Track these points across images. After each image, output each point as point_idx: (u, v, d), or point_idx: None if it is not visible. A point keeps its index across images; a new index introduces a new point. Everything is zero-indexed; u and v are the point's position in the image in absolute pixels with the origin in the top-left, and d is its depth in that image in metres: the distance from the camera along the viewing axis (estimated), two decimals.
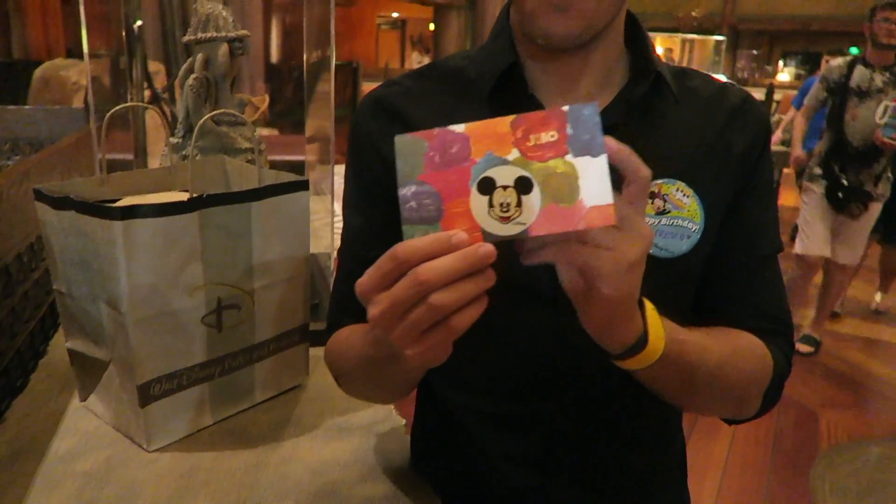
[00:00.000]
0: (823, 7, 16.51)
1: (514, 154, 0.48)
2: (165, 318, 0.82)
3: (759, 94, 9.09)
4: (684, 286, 0.75)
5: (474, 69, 0.75)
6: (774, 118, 7.42)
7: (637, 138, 0.70)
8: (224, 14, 1.14)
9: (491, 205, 0.48)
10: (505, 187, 0.48)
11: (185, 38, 1.13)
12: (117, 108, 0.87)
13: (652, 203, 0.70)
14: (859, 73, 3.29)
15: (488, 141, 0.49)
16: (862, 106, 3.26)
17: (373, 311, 0.48)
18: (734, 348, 0.71)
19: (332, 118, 1.48)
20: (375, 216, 0.76)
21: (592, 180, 0.47)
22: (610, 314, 0.54)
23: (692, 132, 0.73)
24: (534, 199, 0.47)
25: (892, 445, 2.83)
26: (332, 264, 1.48)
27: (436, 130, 0.50)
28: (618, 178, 0.51)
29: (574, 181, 0.47)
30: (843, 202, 3.34)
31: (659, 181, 0.70)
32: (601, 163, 0.47)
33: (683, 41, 10.97)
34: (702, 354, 0.65)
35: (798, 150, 3.87)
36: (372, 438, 0.91)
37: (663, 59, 0.74)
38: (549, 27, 0.64)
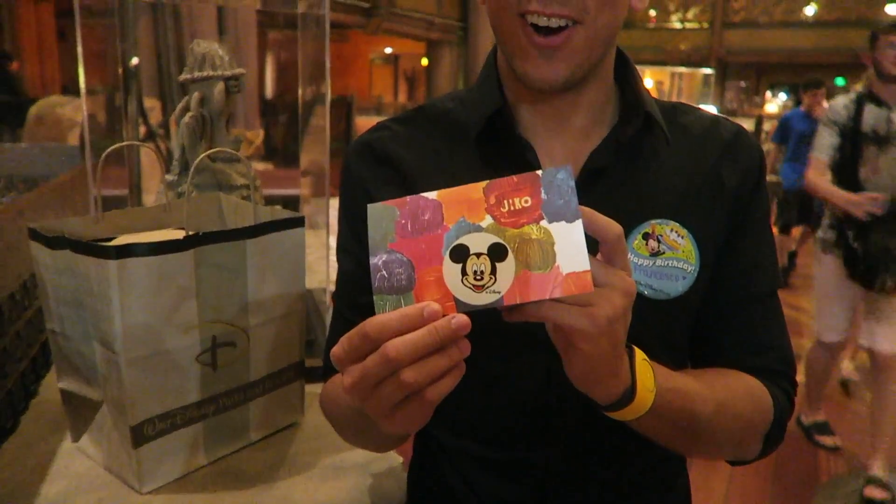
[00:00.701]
0: (808, 40, 16.87)
1: (487, 220, 0.48)
2: (159, 357, 0.81)
3: (748, 125, 9.23)
4: (681, 327, 0.74)
5: (463, 112, 0.75)
6: (765, 148, 7.53)
7: (628, 179, 0.71)
8: (220, 53, 1.15)
9: (464, 273, 0.47)
10: (478, 255, 0.47)
11: (182, 77, 1.14)
12: (113, 147, 0.87)
13: (646, 244, 0.69)
14: (872, 113, 2.58)
15: (461, 207, 0.48)
16: (884, 155, 2.57)
17: (346, 380, 0.48)
18: (731, 393, 0.70)
19: (327, 152, 1.49)
20: (367, 261, 0.76)
21: (568, 246, 0.46)
22: (591, 369, 0.53)
23: (684, 170, 0.72)
24: (508, 267, 0.47)
25: (891, 476, 2.80)
26: (328, 299, 1.48)
27: (408, 198, 0.49)
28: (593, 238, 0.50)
29: (549, 247, 0.47)
30: (869, 276, 2.58)
31: (652, 222, 0.70)
32: (576, 228, 0.47)
33: (673, 74, 11.18)
34: (696, 402, 0.64)
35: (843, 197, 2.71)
36: (368, 478, 0.90)
37: (654, 92, 0.74)
38: (536, 74, 0.65)
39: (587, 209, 0.49)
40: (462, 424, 0.77)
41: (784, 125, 5.10)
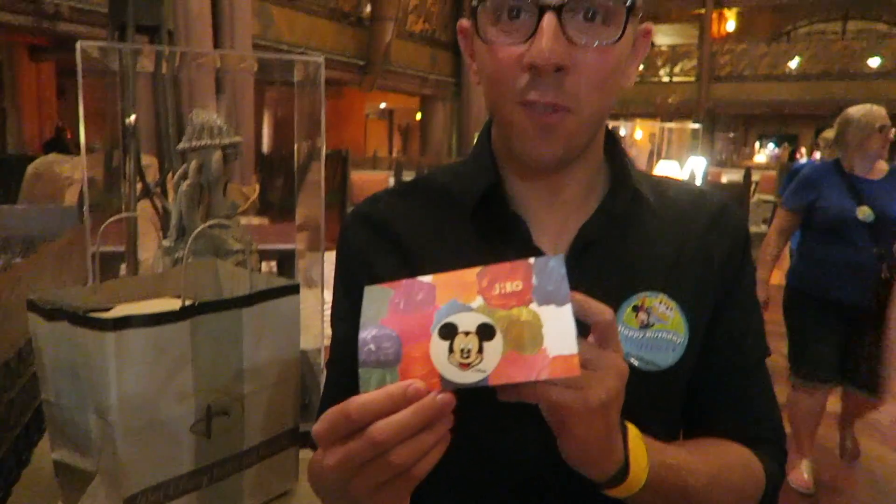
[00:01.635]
0: (792, 92, 17.28)
1: (478, 302, 0.49)
2: (154, 428, 0.81)
3: (737, 176, 9.37)
4: (672, 399, 0.75)
5: (458, 186, 0.78)
6: (754, 199, 7.59)
7: (618, 251, 0.73)
8: (219, 122, 1.18)
9: (451, 350, 0.48)
10: (466, 333, 0.48)
11: (181, 146, 1.18)
12: (112, 219, 0.89)
13: (636, 316, 0.71)
14: None
15: (454, 289, 0.49)
16: None
17: (328, 461, 0.48)
18: (723, 464, 0.71)
19: (322, 207, 1.51)
20: None
21: (556, 329, 0.47)
22: (585, 449, 0.54)
23: (672, 243, 0.74)
24: (495, 346, 0.47)
25: None
26: (322, 359, 1.48)
27: (404, 280, 0.51)
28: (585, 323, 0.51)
29: (537, 329, 0.47)
30: None
31: (641, 294, 0.71)
32: (566, 312, 0.48)
33: (662, 128, 11.43)
34: (689, 476, 0.64)
35: None
36: None
37: (646, 143, 0.76)
38: (534, 152, 0.67)
39: (579, 294, 0.50)
40: (456, 491, 0.77)
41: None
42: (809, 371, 2.84)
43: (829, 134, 3.04)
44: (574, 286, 0.71)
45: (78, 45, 1.00)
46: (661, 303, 0.71)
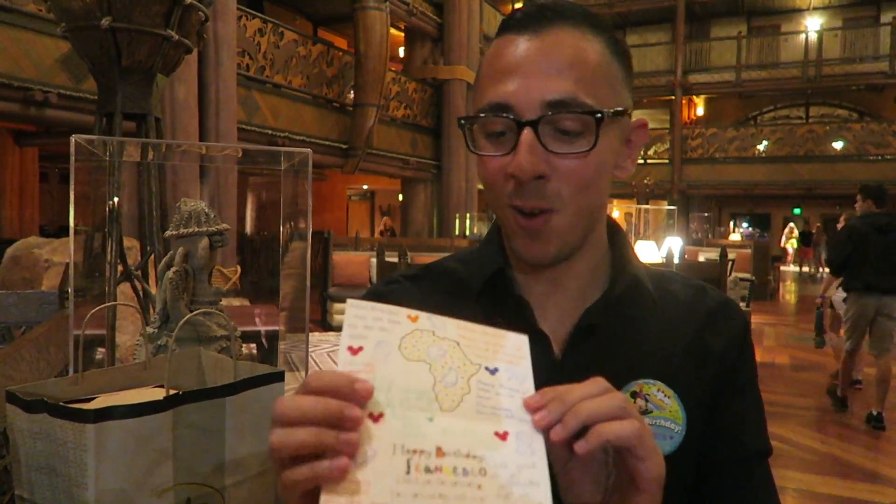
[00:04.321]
0: (762, 174, 17.85)
1: None
2: None
3: (714, 255, 9.52)
4: (670, 489, 0.74)
5: (466, 271, 0.81)
6: (731, 277, 7.69)
7: (618, 338, 0.74)
8: (206, 210, 1.20)
9: None
10: None
11: (167, 233, 1.19)
12: (97, 308, 0.89)
13: (634, 403, 0.71)
14: None
15: None
16: None
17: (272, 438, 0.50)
18: None
19: (308, 292, 1.52)
20: None
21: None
22: None
23: (671, 334, 0.76)
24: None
25: None
26: None
27: None
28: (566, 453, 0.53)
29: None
30: None
31: (639, 381, 0.72)
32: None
33: (639, 209, 11.70)
34: None
35: None
36: None
37: (622, 222, 0.79)
38: (526, 252, 0.71)
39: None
40: None
41: None
42: None
43: None
44: (574, 370, 0.72)
45: (72, 138, 1.02)
46: (658, 390, 0.72)
